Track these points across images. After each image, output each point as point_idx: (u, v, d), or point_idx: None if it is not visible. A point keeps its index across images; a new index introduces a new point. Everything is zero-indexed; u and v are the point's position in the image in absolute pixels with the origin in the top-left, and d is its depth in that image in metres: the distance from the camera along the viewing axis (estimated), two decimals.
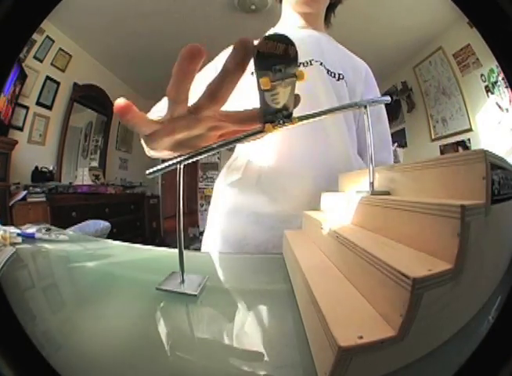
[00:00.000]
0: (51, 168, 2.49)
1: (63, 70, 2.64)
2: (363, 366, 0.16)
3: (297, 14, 0.65)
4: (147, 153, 0.47)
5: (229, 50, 0.28)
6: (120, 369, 0.21)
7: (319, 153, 0.58)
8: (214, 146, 0.32)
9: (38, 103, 2.43)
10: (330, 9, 0.71)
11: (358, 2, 2.20)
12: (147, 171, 0.34)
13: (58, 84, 2.60)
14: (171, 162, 0.33)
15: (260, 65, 0.23)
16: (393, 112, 3.40)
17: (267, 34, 0.22)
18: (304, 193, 0.57)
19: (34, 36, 2.23)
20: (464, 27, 2.20)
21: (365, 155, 0.65)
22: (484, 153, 0.20)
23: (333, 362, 0.15)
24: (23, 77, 2.16)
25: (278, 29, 0.68)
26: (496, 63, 0.22)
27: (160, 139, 0.29)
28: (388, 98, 0.40)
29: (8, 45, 0.23)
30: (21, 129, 2.27)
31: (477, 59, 2.34)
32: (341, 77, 0.62)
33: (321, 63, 0.60)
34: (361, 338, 0.15)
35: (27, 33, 0.24)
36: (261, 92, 0.25)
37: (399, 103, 3.37)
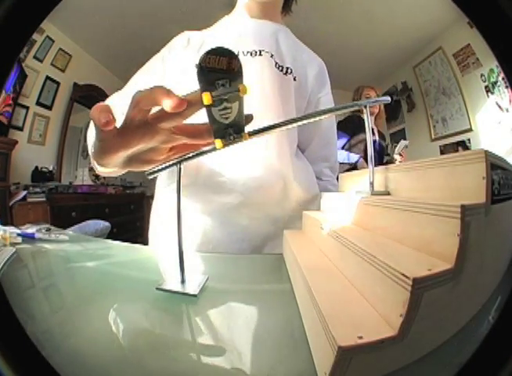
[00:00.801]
0: (51, 168, 2.49)
1: (63, 70, 2.64)
2: (363, 366, 0.16)
3: (251, 2, 0.62)
4: (96, 170, 0.47)
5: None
6: (120, 369, 0.21)
7: (252, 168, 0.56)
8: (212, 147, 0.31)
9: (38, 103, 2.42)
10: None
11: (358, 2, 2.20)
12: (147, 171, 0.34)
13: (58, 84, 2.60)
14: (171, 162, 0.33)
15: (203, 80, 0.23)
16: (393, 112, 3.40)
17: (213, 46, 0.22)
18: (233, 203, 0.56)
19: (34, 36, 2.23)
20: (464, 27, 2.20)
21: (307, 150, 0.68)
22: (485, 153, 0.20)
23: (333, 362, 0.15)
24: (23, 77, 2.16)
25: (231, 19, 0.66)
26: (496, 63, 0.22)
27: (114, 154, 0.29)
28: (388, 98, 0.40)
29: (8, 45, 0.23)
30: (21, 129, 2.27)
31: (477, 59, 2.34)
32: (289, 71, 0.60)
33: (271, 55, 0.59)
34: (361, 338, 0.15)
35: (27, 33, 0.24)
36: (207, 107, 0.24)
37: (399, 103, 3.37)
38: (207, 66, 0.22)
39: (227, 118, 0.26)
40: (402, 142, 2.15)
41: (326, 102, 0.66)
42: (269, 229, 0.58)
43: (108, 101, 0.58)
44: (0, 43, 0.22)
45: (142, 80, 0.62)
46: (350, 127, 1.90)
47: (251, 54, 0.58)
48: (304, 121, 0.36)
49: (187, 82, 0.44)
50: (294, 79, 0.61)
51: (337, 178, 0.66)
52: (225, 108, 0.25)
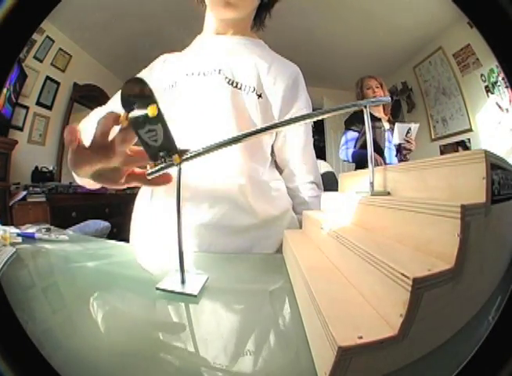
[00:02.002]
0: (51, 168, 2.49)
1: (63, 70, 2.64)
2: (363, 366, 0.16)
3: (214, 20, 0.61)
4: (76, 179, 0.52)
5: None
6: (120, 369, 0.21)
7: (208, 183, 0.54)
8: (211, 147, 0.33)
9: (38, 103, 2.42)
10: (263, 9, 0.64)
11: (358, 2, 2.20)
12: (147, 172, 0.34)
13: (58, 84, 2.60)
14: (171, 162, 0.33)
15: (123, 106, 0.27)
16: (393, 112, 3.39)
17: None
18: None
19: (34, 36, 2.23)
20: (464, 27, 2.19)
21: (285, 169, 0.64)
22: (485, 154, 0.20)
23: (333, 362, 0.15)
24: (23, 77, 2.16)
25: (200, 38, 0.66)
26: (496, 63, 0.22)
27: (80, 168, 0.34)
28: (388, 98, 0.40)
29: (8, 45, 0.23)
30: (21, 129, 2.27)
31: (477, 59, 2.34)
32: (251, 89, 0.56)
33: (226, 77, 0.57)
34: (361, 338, 0.15)
35: (27, 33, 0.24)
36: (135, 130, 0.29)
37: (399, 103, 3.36)
38: (124, 93, 0.27)
39: (156, 141, 0.29)
40: (410, 126, 1.78)
41: (300, 112, 0.59)
42: (236, 243, 0.56)
43: (92, 114, 0.63)
44: (0, 43, 0.22)
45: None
46: (358, 123, 1.82)
47: (204, 74, 0.58)
48: (302, 122, 0.36)
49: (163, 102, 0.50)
50: (260, 96, 0.57)
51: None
52: (150, 130, 0.28)
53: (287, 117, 0.54)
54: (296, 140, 0.62)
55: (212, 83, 0.57)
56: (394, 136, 1.79)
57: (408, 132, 1.76)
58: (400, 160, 1.77)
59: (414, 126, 1.79)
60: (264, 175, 0.60)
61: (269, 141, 0.61)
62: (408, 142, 1.76)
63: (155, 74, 0.65)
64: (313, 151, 0.66)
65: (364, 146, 1.77)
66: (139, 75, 0.63)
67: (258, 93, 0.57)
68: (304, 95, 0.61)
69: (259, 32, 0.68)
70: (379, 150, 1.78)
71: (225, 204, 0.55)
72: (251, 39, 0.64)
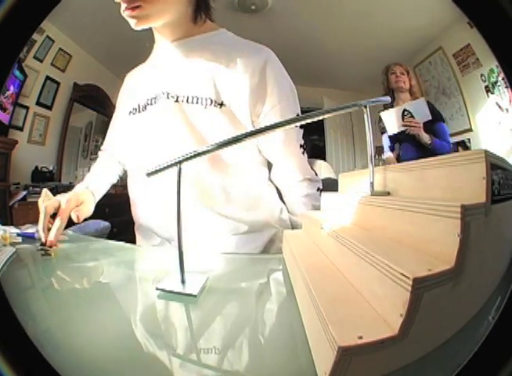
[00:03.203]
0: (51, 168, 2.49)
1: (63, 70, 2.64)
2: (363, 366, 0.16)
3: (154, 29, 0.55)
4: None
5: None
6: (119, 369, 0.21)
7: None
8: (211, 148, 0.33)
9: (38, 103, 2.42)
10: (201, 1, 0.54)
11: (359, 3, 2.20)
12: (147, 172, 0.34)
13: (58, 84, 2.60)
14: (170, 162, 0.33)
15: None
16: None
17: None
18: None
19: (34, 36, 2.23)
20: (464, 27, 2.19)
21: (273, 168, 0.60)
22: (485, 153, 0.20)
23: (333, 362, 0.15)
24: (23, 77, 2.16)
25: (154, 46, 0.61)
26: (496, 63, 0.22)
27: None
28: (388, 98, 0.40)
29: (8, 45, 0.23)
30: (21, 129, 2.26)
31: (477, 59, 2.34)
32: (202, 100, 0.50)
33: (168, 95, 0.52)
34: (361, 338, 0.15)
35: (27, 33, 0.24)
36: None
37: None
38: None
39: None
40: (404, 107, 1.45)
41: (275, 116, 0.52)
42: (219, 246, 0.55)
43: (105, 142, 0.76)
44: (0, 43, 0.22)
45: (111, 131, 0.75)
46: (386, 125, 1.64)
47: (149, 103, 0.55)
48: (302, 122, 0.36)
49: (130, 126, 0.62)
50: (221, 105, 0.50)
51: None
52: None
53: (264, 117, 0.52)
54: (277, 137, 0.55)
55: (162, 112, 0.53)
56: (387, 127, 1.54)
57: (404, 115, 1.48)
58: (417, 150, 1.51)
59: (410, 104, 1.50)
60: (246, 177, 0.56)
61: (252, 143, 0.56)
62: (409, 126, 1.48)
63: (123, 104, 0.66)
64: (297, 147, 0.57)
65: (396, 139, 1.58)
66: (111, 123, 0.74)
67: (219, 102, 0.50)
68: (276, 86, 0.52)
69: (214, 19, 0.58)
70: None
71: (206, 209, 0.53)
72: (204, 36, 0.55)
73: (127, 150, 0.62)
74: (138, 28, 0.49)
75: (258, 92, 0.51)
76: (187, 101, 0.51)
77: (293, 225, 0.61)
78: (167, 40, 0.56)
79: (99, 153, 0.77)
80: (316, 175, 0.62)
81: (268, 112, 0.52)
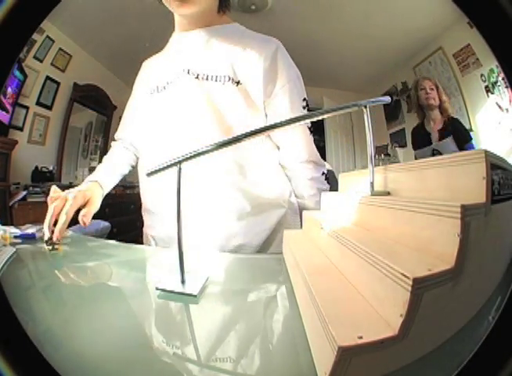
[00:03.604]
0: (51, 168, 2.49)
1: (63, 70, 2.64)
2: (363, 366, 0.16)
3: (178, 17, 0.61)
4: None
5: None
6: (119, 369, 0.21)
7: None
8: (210, 148, 0.33)
9: (38, 103, 2.42)
10: None
11: (359, 3, 2.20)
12: (147, 172, 0.34)
13: (58, 84, 2.60)
14: (170, 162, 0.33)
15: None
16: (393, 112, 3.40)
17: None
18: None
19: (34, 36, 2.23)
20: (464, 27, 2.19)
21: (280, 147, 0.62)
22: (485, 153, 0.20)
23: (333, 362, 0.15)
24: (23, 77, 2.16)
25: (173, 34, 0.66)
26: (496, 63, 0.22)
27: None
28: (388, 98, 0.40)
29: (8, 45, 0.23)
30: (21, 129, 2.26)
31: (477, 59, 2.34)
32: (226, 79, 0.56)
33: (189, 71, 0.57)
34: (361, 338, 0.15)
35: (27, 33, 0.24)
36: None
37: (399, 103, 3.36)
38: None
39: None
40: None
41: (284, 95, 0.58)
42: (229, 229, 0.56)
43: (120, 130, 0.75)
44: (0, 43, 0.22)
45: (126, 119, 0.75)
46: (414, 141, 1.70)
47: (172, 82, 0.59)
48: (302, 122, 0.36)
49: (144, 124, 0.65)
50: (238, 83, 0.56)
51: (327, 180, 0.64)
52: None
53: (274, 97, 0.58)
54: (288, 116, 0.59)
55: (183, 88, 0.58)
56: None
57: (433, 154, 1.56)
58: None
59: (439, 144, 1.57)
60: (255, 158, 0.59)
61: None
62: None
63: (138, 84, 0.69)
64: (305, 128, 0.62)
65: None
66: (132, 92, 0.71)
67: (236, 80, 0.56)
68: (285, 69, 0.59)
69: (229, 14, 0.65)
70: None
71: (217, 189, 0.55)
72: (222, 26, 0.62)
73: (146, 129, 0.64)
74: (182, 12, 0.56)
75: (270, 74, 0.57)
76: (206, 78, 0.57)
77: (301, 208, 0.63)
78: (191, 27, 0.61)
79: (112, 143, 0.77)
80: None
81: (278, 91, 0.58)
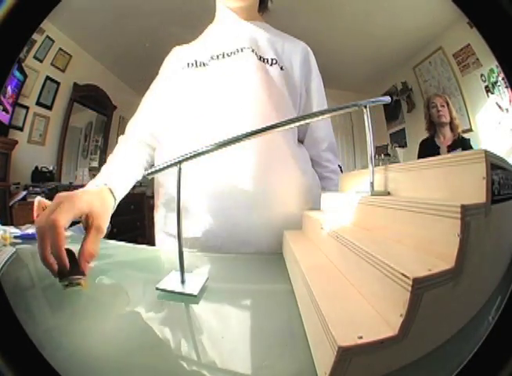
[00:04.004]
0: (51, 168, 2.49)
1: (63, 70, 2.64)
2: (363, 366, 0.16)
3: (228, 9, 0.67)
4: None
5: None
6: (119, 368, 0.21)
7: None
8: (210, 147, 0.33)
9: (38, 103, 2.42)
10: None
11: (359, 3, 2.20)
12: (147, 172, 0.34)
13: (58, 84, 2.60)
14: (170, 162, 0.33)
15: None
16: (393, 112, 3.40)
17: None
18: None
19: (34, 36, 2.23)
20: (464, 27, 2.19)
21: (304, 135, 0.68)
22: (485, 153, 0.20)
23: (333, 362, 0.15)
24: (23, 77, 2.16)
25: (213, 27, 0.70)
26: (496, 63, 0.22)
27: None
28: (388, 98, 0.40)
29: (8, 45, 0.23)
30: (21, 129, 2.26)
31: (477, 59, 2.34)
32: (274, 62, 0.62)
33: (252, 50, 0.62)
34: (361, 338, 0.15)
35: (27, 33, 0.24)
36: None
37: (399, 103, 3.36)
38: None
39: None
40: None
41: (316, 86, 0.68)
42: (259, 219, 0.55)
43: (132, 123, 0.66)
44: (0, 43, 0.22)
45: (150, 105, 0.67)
46: (422, 153, 1.72)
47: (234, 53, 0.62)
48: (302, 122, 0.36)
49: (184, 100, 0.62)
50: (281, 68, 0.62)
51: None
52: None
53: (308, 88, 0.66)
54: (314, 105, 0.67)
55: (245, 59, 0.61)
56: None
57: None
58: None
59: None
60: (290, 147, 0.62)
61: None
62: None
63: (170, 72, 0.67)
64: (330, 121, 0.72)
65: None
66: (158, 78, 0.68)
67: (280, 65, 0.62)
68: (314, 68, 0.68)
69: (265, 16, 0.74)
70: None
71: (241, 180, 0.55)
72: (261, 23, 0.69)
73: (187, 105, 0.61)
74: (237, 4, 0.63)
75: (305, 67, 0.66)
76: (260, 57, 0.62)
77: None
78: (234, 21, 0.67)
79: (119, 139, 0.66)
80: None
81: (312, 80, 0.67)
